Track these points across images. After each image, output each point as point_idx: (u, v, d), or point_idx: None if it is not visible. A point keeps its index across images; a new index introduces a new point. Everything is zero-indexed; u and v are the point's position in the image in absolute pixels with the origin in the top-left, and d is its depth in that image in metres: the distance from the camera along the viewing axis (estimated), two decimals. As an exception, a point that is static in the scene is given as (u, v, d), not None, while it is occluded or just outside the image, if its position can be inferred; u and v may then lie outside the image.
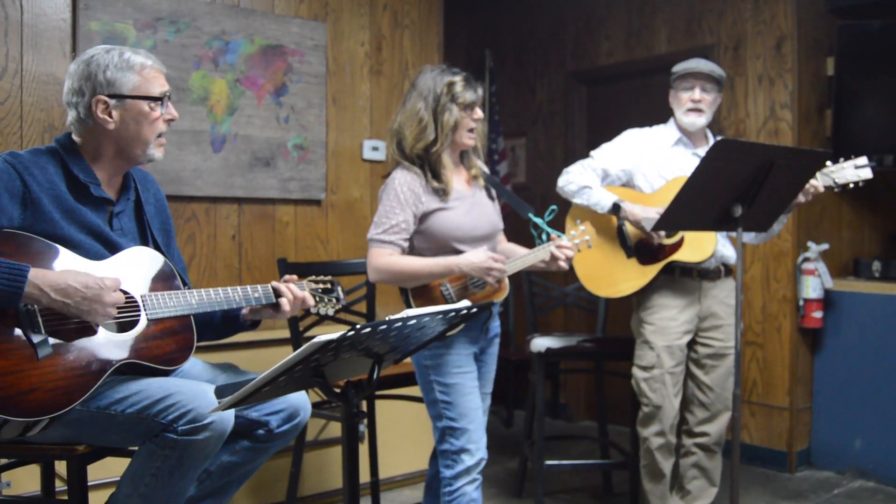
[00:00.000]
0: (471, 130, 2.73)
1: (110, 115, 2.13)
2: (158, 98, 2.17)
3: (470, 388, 2.69)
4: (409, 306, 2.66)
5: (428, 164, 2.69)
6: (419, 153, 2.68)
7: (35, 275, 1.88)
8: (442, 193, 2.68)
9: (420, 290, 2.68)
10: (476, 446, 2.67)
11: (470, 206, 2.75)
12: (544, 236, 2.82)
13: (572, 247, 2.78)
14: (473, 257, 2.61)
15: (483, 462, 2.69)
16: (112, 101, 2.12)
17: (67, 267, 2.01)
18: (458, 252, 2.70)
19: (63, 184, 2.09)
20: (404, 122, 2.71)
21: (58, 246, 2.02)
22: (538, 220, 2.83)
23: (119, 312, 2.05)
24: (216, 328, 2.37)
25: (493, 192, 2.93)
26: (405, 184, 2.66)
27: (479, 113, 2.73)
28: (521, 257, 2.77)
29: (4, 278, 1.83)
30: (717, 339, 3.33)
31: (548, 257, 2.75)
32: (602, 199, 3.26)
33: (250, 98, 3.64)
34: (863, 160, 3.09)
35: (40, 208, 2.02)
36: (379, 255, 2.65)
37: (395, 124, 2.75)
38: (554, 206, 2.90)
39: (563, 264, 2.76)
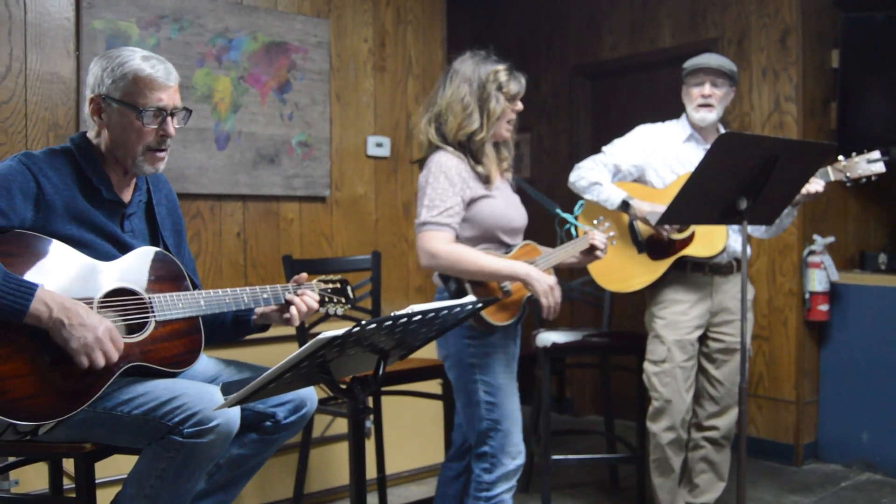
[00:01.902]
0: (509, 122, 2.69)
1: (100, 116, 2.12)
2: (147, 110, 2.09)
3: (513, 390, 2.66)
4: (460, 294, 2.56)
5: (469, 151, 2.62)
6: (461, 139, 2.61)
7: (43, 293, 1.87)
8: (486, 180, 2.62)
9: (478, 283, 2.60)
10: (517, 449, 2.64)
11: (507, 197, 2.71)
12: (573, 230, 2.82)
13: (606, 238, 2.79)
14: (543, 274, 2.57)
15: (521, 468, 2.67)
16: (103, 103, 2.11)
17: (76, 266, 2.01)
18: (501, 242, 2.66)
19: (76, 185, 2.08)
20: (447, 107, 2.62)
21: (66, 246, 2.02)
22: (567, 216, 2.82)
23: (128, 313, 2.05)
24: (227, 331, 2.37)
25: (515, 187, 2.89)
26: (453, 167, 2.57)
27: (519, 105, 2.69)
28: (563, 248, 2.74)
29: (12, 293, 1.83)
30: (728, 334, 3.33)
31: (585, 248, 2.74)
32: (612, 195, 3.26)
33: (254, 95, 3.64)
34: (875, 154, 3.07)
35: (53, 210, 2.01)
36: (437, 239, 2.53)
37: (437, 108, 2.65)
38: (583, 201, 2.91)
39: (599, 254, 2.76)
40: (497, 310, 2.59)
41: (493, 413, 2.61)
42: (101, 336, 1.92)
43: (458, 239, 2.60)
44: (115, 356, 1.96)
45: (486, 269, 2.52)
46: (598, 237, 2.76)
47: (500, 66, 2.64)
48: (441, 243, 2.52)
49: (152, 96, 2.10)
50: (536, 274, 2.55)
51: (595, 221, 2.98)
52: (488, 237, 2.63)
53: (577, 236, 2.80)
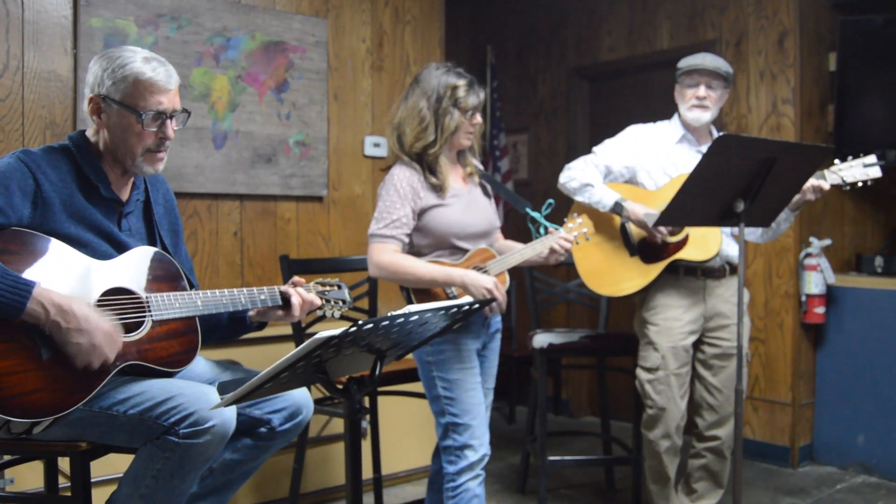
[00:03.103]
0: (469, 132, 2.76)
1: (99, 116, 2.12)
2: (147, 113, 2.09)
3: (472, 384, 2.70)
4: (409, 303, 2.67)
5: (425, 162, 2.71)
6: (418, 151, 2.70)
7: (40, 292, 1.87)
8: (439, 189, 2.70)
9: (422, 290, 2.68)
10: (479, 442, 2.68)
11: (467, 203, 2.76)
12: (542, 230, 2.82)
13: (571, 239, 2.78)
14: (480, 276, 2.62)
15: (486, 458, 2.70)
16: (102, 104, 2.11)
17: (74, 265, 2.01)
18: (457, 248, 2.72)
19: (74, 183, 2.08)
20: (405, 119, 2.72)
21: (64, 244, 2.02)
22: (535, 215, 2.84)
23: (125, 313, 2.05)
24: (223, 329, 2.37)
25: (490, 190, 2.94)
26: (404, 179, 2.68)
27: (478, 118, 2.76)
28: (520, 251, 2.78)
29: (9, 290, 1.83)
30: (724, 339, 3.29)
31: (546, 251, 2.77)
32: (604, 197, 3.23)
33: (252, 94, 3.64)
34: (871, 158, 3.06)
35: (51, 208, 2.01)
36: (381, 251, 2.66)
37: (397, 119, 2.76)
38: (551, 200, 2.89)
39: (560, 257, 2.78)
40: None
41: (452, 407, 2.68)
42: (98, 342, 1.91)
43: (412, 247, 2.72)
44: (111, 358, 1.96)
45: (423, 277, 2.63)
46: (563, 237, 2.77)
47: (460, 81, 2.69)
48: (384, 254, 2.65)
49: (152, 100, 2.10)
50: (472, 279, 2.60)
51: (573, 215, 2.97)
52: (441, 244, 2.72)
53: (544, 234, 2.81)
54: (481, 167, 2.94)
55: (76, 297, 1.94)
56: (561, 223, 2.87)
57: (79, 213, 2.06)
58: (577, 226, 2.85)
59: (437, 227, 2.69)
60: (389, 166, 2.78)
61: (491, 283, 2.60)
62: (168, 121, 2.14)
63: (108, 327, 1.95)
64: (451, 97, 2.67)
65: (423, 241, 2.72)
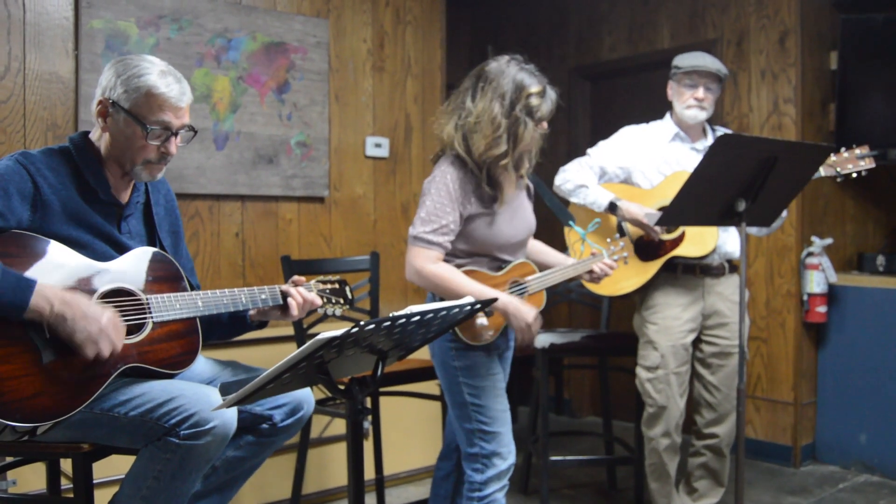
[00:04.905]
0: (536, 140, 2.59)
1: (105, 119, 2.12)
2: (153, 127, 2.09)
3: (500, 391, 2.62)
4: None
5: (489, 171, 2.52)
6: (487, 159, 2.50)
7: (42, 287, 1.87)
8: (491, 201, 2.54)
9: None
10: (507, 450, 2.60)
11: (513, 211, 2.62)
12: (581, 247, 2.80)
13: (613, 265, 2.77)
14: (522, 306, 2.49)
15: (513, 467, 2.63)
16: (111, 108, 2.11)
17: (74, 266, 2.01)
18: (496, 258, 2.60)
19: (74, 186, 2.08)
20: (476, 122, 2.48)
21: (63, 246, 2.02)
22: (580, 231, 2.80)
23: (125, 314, 2.05)
24: (224, 328, 2.38)
25: (532, 190, 2.83)
26: (457, 180, 2.50)
27: (545, 126, 2.58)
28: (562, 270, 2.72)
29: (12, 289, 1.83)
30: (722, 338, 3.30)
31: (586, 272, 2.74)
32: (599, 197, 3.23)
33: (253, 95, 3.64)
34: (865, 150, 3.08)
35: (50, 210, 2.01)
36: (426, 258, 2.48)
37: (467, 117, 2.51)
38: (598, 220, 2.89)
39: (597, 280, 2.75)
40: (476, 332, 2.55)
41: (480, 415, 2.58)
42: (105, 326, 1.92)
43: (452, 250, 2.55)
44: (119, 345, 1.97)
45: (464, 293, 2.44)
46: (599, 265, 2.74)
47: (534, 88, 2.49)
48: (428, 262, 2.48)
49: (161, 115, 2.10)
50: (514, 308, 2.48)
51: (616, 236, 2.95)
52: (481, 252, 2.58)
53: (583, 251, 2.78)
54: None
55: (76, 291, 1.95)
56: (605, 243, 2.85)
57: (78, 216, 2.06)
58: (619, 249, 2.84)
59: (480, 236, 2.55)
60: (437, 155, 2.62)
61: (532, 317, 2.49)
62: (173, 137, 2.14)
63: (112, 313, 1.96)
64: (524, 106, 2.47)
65: (462, 246, 2.56)
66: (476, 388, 2.58)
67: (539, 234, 2.85)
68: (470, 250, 2.57)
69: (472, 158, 2.51)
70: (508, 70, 2.50)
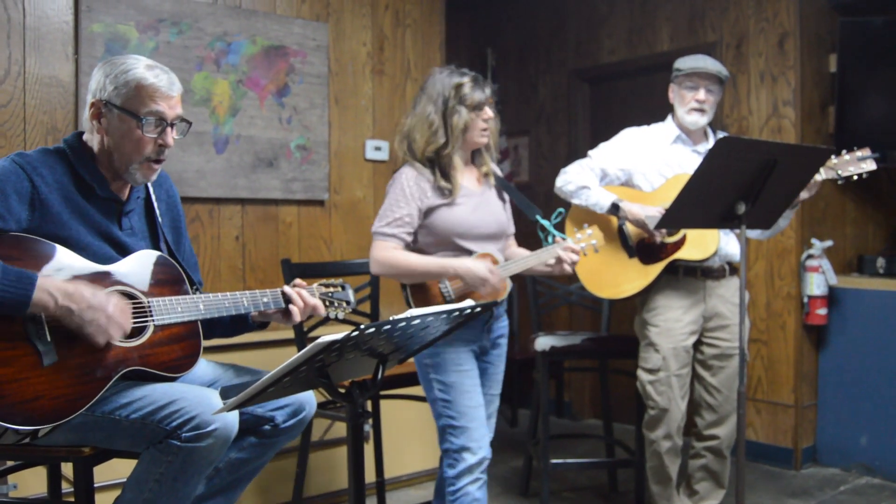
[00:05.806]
0: (483, 129, 2.74)
1: (99, 121, 2.12)
2: (147, 118, 2.09)
3: (469, 386, 2.68)
4: (409, 305, 2.67)
5: (438, 165, 2.70)
6: (430, 155, 2.70)
7: (43, 281, 1.88)
8: (448, 192, 2.69)
9: (419, 288, 2.68)
10: (477, 444, 2.65)
11: (477, 203, 2.75)
12: (550, 238, 2.81)
13: (578, 250, 2.77)
14: (472, 264, 2.61)
15: (486, 461, 2.67)
16: (103, 108, 2.11)
17: (76, 269, 2.01)
18: (462, 249, 2.70)
19: (71, 184, 2.08)
20: (414, 126, 2.73)
21: (65, 249, 2.02)
22: (545, 222, 2.82)
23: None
24: (225, 328, 2.38)
25: (505, 195, 2.91)
26: (412, 178, 2.69)
27: (488, 112, 2.73)
28: (525, 258, 2.77)
29: (13, 286, 1.83)
30: (723, 340, 3.30)
31: (552, 260, 2.75)
32: (601, 199, 3.23)
33: (253, 99, 3.64)
34: (866, 152, 3.07)
35: (49, 209, 2.01)
36: (381, 248, 2.67)
37: (405, 128, 2.77)
38: (561, 209, 2.89)
39: (567, 268, 2.75)
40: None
41: (449, 410, 2.67)
42: (112, 313, 1.95)
43: (417, 244, 2.72)
44: (128, 329, 2.00)
45: (417, 269, 2.64)
46: (570, 248, 2.75)
47: (465, 79, 2.69)
48: (383, 251, 2.66)
49: (153, 105, 2.10)
50: (465, 269, 2.60)
51: (584, 225, 2.96)
52: (445, 244, 2.71)
53: (552, 243, 2.79)
54: (498, 171, 2.91)
55: (78, 281, 1.95)
56: (562, 230, 2.86)
57: (78, 214, 2.06)
58: (587, 237, 2.84)
59: (441, 225, 2.69)
60: (399, 168, 2.78)
61: (484, 270, 2.59)
62: (168, 128, 2.14)
63: (117, 299, 1.98)
64: (456, 96, 2.67)
65: (428, 239, 2.72)
66: (445, 384, 2.68)
67: (530, 246, 2.86)
68: (435, 242, 2.71)
69: (418, 159, 2.71)
70: (440, 76, 2.73)
